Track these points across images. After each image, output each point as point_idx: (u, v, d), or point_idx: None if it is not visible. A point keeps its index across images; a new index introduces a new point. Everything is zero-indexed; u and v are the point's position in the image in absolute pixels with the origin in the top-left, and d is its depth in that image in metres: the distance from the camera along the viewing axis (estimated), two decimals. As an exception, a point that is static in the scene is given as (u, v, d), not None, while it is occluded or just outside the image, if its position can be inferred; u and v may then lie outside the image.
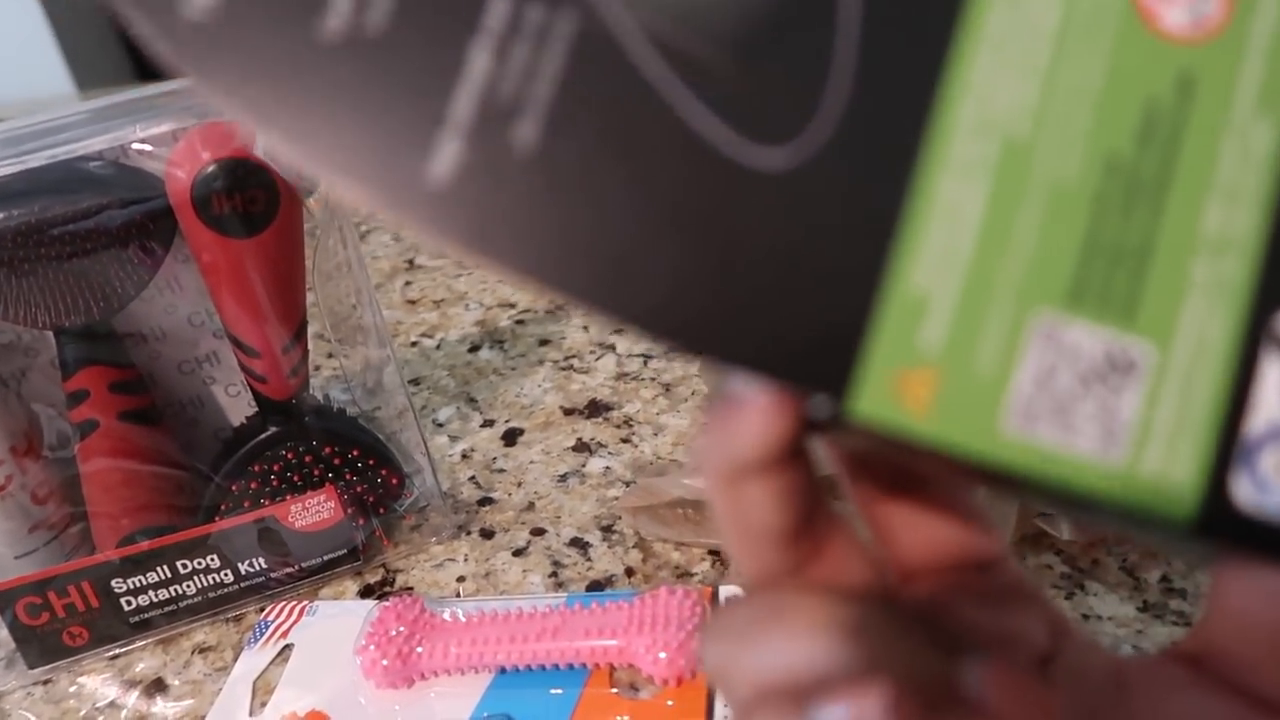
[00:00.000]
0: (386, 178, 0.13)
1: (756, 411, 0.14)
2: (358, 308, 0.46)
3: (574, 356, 0.62)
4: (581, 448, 0.54)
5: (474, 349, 0.65)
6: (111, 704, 0.42)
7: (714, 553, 0.45)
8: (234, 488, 0.46)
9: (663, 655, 0.37)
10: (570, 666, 0.39)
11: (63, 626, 0.43)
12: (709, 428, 0.15)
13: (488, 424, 0.57)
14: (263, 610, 0.45)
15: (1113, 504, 0.14)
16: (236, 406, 0.49)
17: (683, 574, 0.44)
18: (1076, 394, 0.14)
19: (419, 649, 0.39)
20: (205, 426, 0.49)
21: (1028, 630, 0.18)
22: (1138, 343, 0.14)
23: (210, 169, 0.38)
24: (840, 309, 0.14)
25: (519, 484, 0.52)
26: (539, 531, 0.48)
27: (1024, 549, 0.42)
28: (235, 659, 0.43)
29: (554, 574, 0.46)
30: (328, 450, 0.46)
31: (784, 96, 0.14)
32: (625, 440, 0.54)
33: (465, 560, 0.47)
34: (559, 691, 0.38)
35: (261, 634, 0.44)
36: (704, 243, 0.13)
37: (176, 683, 0.43)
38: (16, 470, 0.43)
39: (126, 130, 0.39)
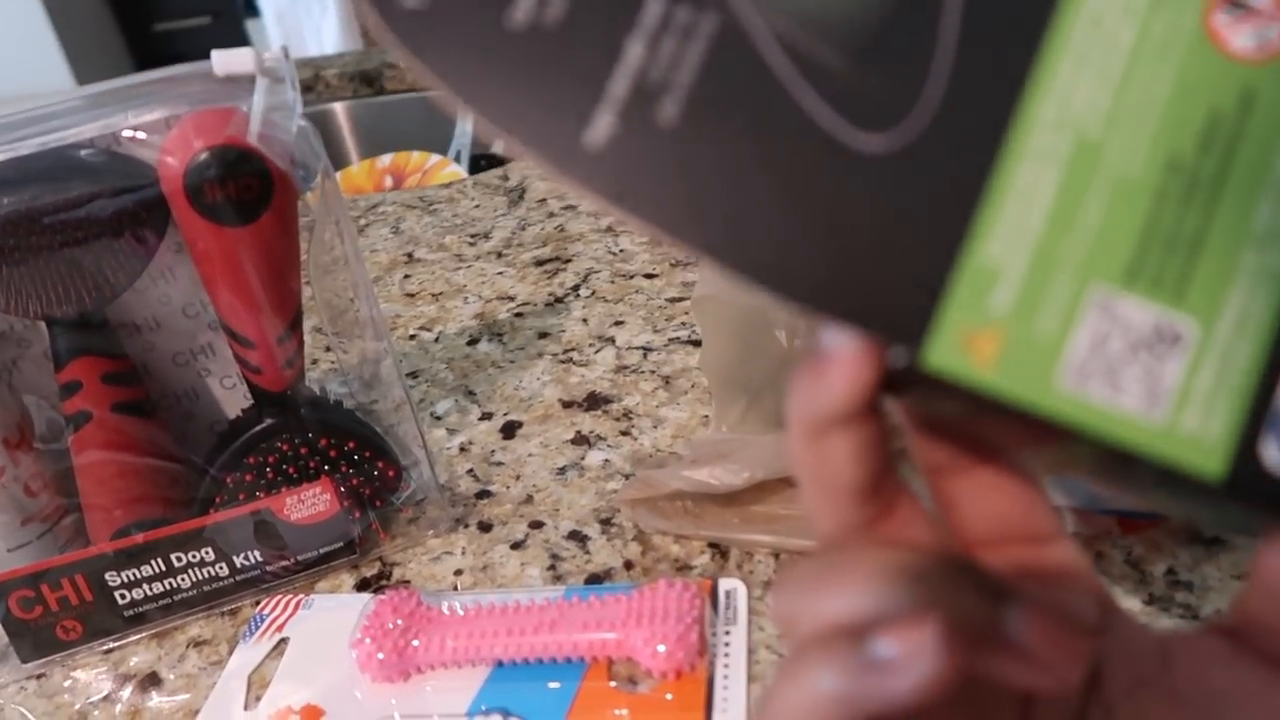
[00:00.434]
0: (552, 142, 0.15)
1: (846, 360, 0.16)
2: (355, 301, 0.45)
3: (573, 349, 0.62)
4: (580, 440, 0.53)
5: (472, 342, 0.65)
6: (106, 698, 0.42)
7: (713, 545, 0.45)
8: (229, 480, 0.45)
9: (661, 648, 0.36)
10: (568, 660, 0.38)
11: (56, 620, 0.43)
12: (797, 384, 0.17)
13: (486, 417, 0.57)
14: (258, 603, 0.45)
15: (1151, 457, 0.16)
16: (232, 399, 0.49)
17: (682, 567, 0.44)
18: (1125, 359, 0.16)
19: (415, 642, 0.39)
20: (200, 419, 0.49)
21: (1078, 605, 0.19)
22: (1184, 319, 0.16)
23: (203, 157, 0.37)
24: (923, 273, 0.16)
25: (517, 477, 0.51)
26: (537, 524, 0.48)
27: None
28: (230, 653, 0.43)
29: (552, 567, 0.45)
30: (324, 443, 0.45)
31: (887, 91, 0.16)
32: (624, 433, 0.53)
33: (463, 553, 0.47)
34: (557, 685, 0.38)
35: (257, 627, 0.44)
36: (813, 211, 0.16)
37: (171, 677, 0.43)
38: (9, 462, 0.43)
39: (118, 118, 0.39)
